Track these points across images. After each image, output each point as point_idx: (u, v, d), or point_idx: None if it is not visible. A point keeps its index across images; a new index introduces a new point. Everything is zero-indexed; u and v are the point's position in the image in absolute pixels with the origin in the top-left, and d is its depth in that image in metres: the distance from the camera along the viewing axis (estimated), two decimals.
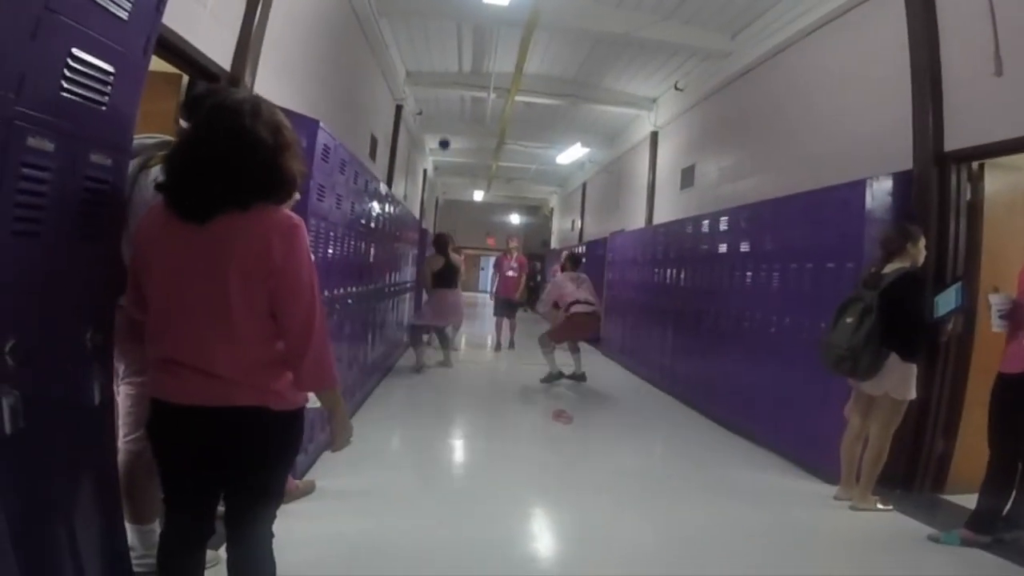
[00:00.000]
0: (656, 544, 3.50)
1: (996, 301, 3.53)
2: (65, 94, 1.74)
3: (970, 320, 4.25)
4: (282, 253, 1.69)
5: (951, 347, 4.32)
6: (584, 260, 8.75)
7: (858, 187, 4.53)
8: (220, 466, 1.80)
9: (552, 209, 24.75)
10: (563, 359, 7.88)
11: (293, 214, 1.79)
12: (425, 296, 9.22)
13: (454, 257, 8.54)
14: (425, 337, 8.75)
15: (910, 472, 4.40)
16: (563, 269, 8.39)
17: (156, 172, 2.26)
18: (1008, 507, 3.51)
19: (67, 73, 1.73)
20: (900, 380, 3.85)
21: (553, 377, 7.78)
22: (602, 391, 7.67)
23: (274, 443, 1.83)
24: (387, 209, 6.84)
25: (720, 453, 5.30)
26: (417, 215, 13.66)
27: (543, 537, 3.59)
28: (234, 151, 1.69)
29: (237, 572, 1.88)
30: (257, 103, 1.78)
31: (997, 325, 3.55)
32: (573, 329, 7.82)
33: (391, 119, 10.83)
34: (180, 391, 1.73)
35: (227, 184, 1.68)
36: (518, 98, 10.62)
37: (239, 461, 1.79)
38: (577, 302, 7.61)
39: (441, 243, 8.59)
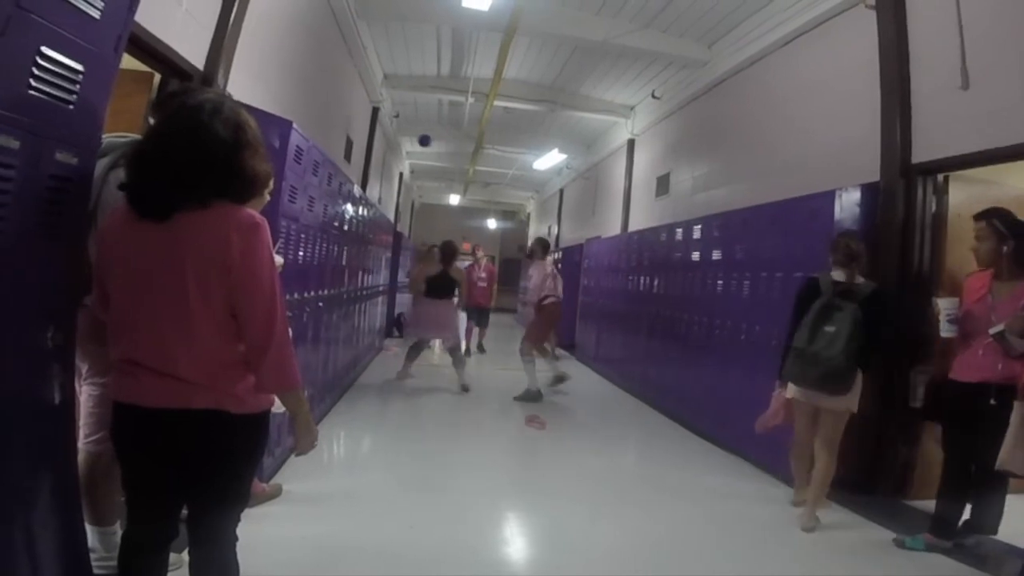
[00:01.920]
0: (627, 547, 3.52)
1: (945, 305, 3.55)
2: (33, 92, 1.72)
3: (932, 330, 4.33)
4: (241, 250, 1.67)
5: (915, 355, 4.40)
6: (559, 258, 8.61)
7: (827, 198, 4.61)
8: (182, 469, 1.78)
9: (529, 214, 24.75)
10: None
11: (255, 212, 1.77)
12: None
13: (455, 269, 7.74)
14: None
15: (873, 477, 4.47)
16: (531, 255, 8.29)
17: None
18: (969, 512, 3.58)
19: (35, 71, 1.72)
20: (858, 393, 3.81)
21: (532, 396, 7.19)
22: (575, 397, 7.68)
23: (235, 447, 1.81)
24: (361, 212, 6.81)
25: (691, 458, 5.34)
26: (392, 218, 13.62)
27: (514, 541, 3.59)
28: (191, 148, 1.68)
29: (199, 575, 1.87)
30: (219, 102, 1.77)
31: (946, 330, 3.56)
32: (552, 321, 7.95)
33: (367, 121, 10.78)
34: (140, 393, 1.72)
35: (184, 181, 1.67)
36: (496, 103, 10.63)
37: (200, 465, 1.78)
38: (551, 295, 7.71)
39: (447, 253, 7.76)
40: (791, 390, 4.00)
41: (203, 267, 1.66)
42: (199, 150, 1.68)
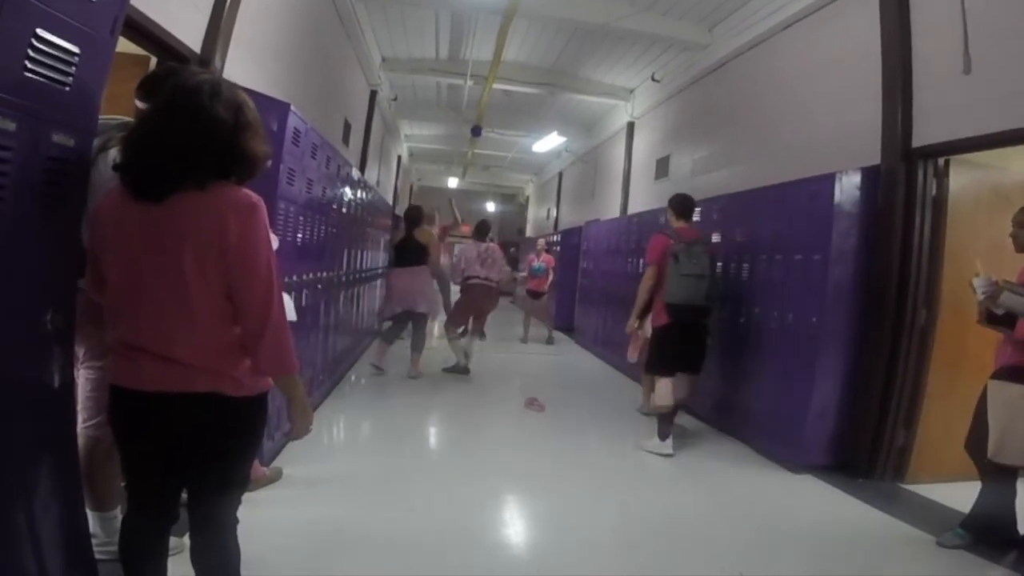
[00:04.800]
0: (628, 531, 3.56)
1: (979, 284, 3.38)
2: (28, 74, 1.71)
3: (932, 314, 4.34)
4: (238, 232, 1.66)
5: (913, 340, 4.41)
6: (554, 244, 8.33)
7: (827, 181, 4.59)
8: (181, 453, 1.78)
9: (528, 197, 24.73)
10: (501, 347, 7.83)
11: (252, 193, 1.74)
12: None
13: (420, 232, 7.00)
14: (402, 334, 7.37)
15: (872, 462, 4.50)
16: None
17: (115, 153, 2.23)
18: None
19: (31, 53, 1.70)
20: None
21: (458, 369, 7.41)
22: (575, 380, 7.71)
23: (234, 430, 1.80)
24: (359, 194, 6.79)
25: (690, 441, 5.35)
26: (391, 201, 13.58)
27: (514, 523, 3.61)
28: (192, 130, 1.66)
29: (200, 559, 1.87)
30: (217, 83, 1.75)
31: None
32: (470, 305, 7.66)
33: (365, 104, 10.74)
34: (136, 377, 1.71)
35: (184, 163, 1.65)
36: (495, 86, 10.58)
37: (199, 448, 1.78)
38: (475, 276, 7.52)
39: (408, 216, 7.12)
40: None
41: (200, 249, 1.64)
42: (200, 132, 1.67)
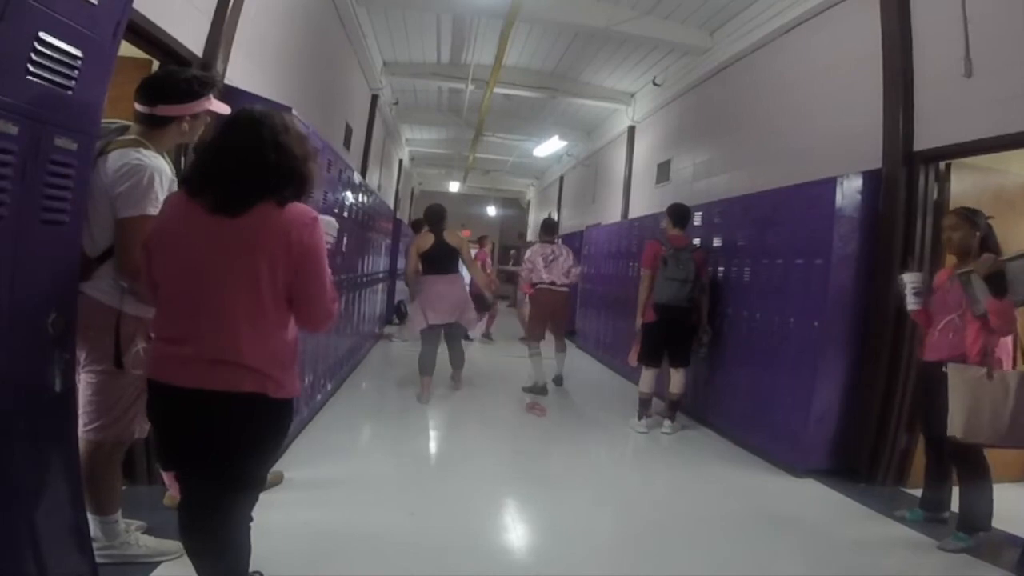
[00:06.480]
0: (628, 534, 3.55)
1: (910, 279, 3.66)
2: (31, 78, 1.72)
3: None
4: (306, 242, 1.88)
5: (915, 343, 4.40)
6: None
7: (828, 185, 4.59)
8: (215, 447, 1.88)
9: (529, 202, 24.69)
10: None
11: (310, 208, 1.96)
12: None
13: (450, 234, 6.28)
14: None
15: (874, 466, 4.49)
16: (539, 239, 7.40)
17: (115, 158, 2.24)
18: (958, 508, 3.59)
19: (34, 57, 1.71)
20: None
21: (537, 389, 6.86)
22: (576, 384, 7.68)
23: (270, 429, 1.95)
24: (360, 199, 6.79)
25: (690, 445, 5.36)
26: (392, 205, 13.59)
27: (515, 527, 3.60)
28: (281, 162, 1.88)
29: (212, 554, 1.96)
30: (285, 116, 1.99)
31: (912, 303, 3.69)
32: (543, 311, 7.13)
33: (367, 108, 10.73)
34: (186, 374, 1.81)
35: (268, 185, 1.86)
36: (497, 90, 10.59)
37: (231, 444, 1.87)
38: (541, 282, 7.04)
39: (433, 217, 6.27)
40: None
41: (273, 256, 1.83)
42: (289, 164, 1.91)
